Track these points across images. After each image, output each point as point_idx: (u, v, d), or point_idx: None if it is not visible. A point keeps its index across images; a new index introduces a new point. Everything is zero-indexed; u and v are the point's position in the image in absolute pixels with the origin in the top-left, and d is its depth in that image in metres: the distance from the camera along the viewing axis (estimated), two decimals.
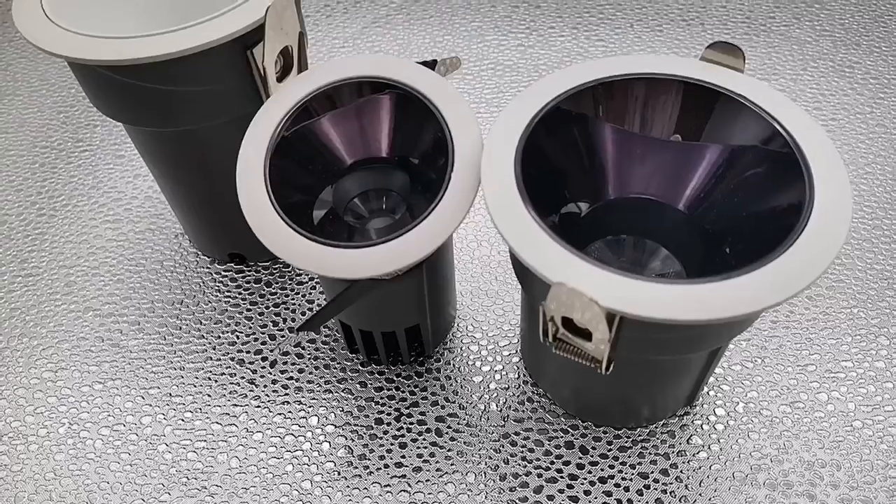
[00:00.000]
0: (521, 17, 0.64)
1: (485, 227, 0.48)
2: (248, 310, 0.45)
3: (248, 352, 0.43)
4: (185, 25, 0.33)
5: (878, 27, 0.61)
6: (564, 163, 0.35)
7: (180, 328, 0.45)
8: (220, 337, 0.44)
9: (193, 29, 0.33)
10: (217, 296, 0.46)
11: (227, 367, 0.43)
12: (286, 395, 0.41)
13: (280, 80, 0.37)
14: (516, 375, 0.42)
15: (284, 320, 0.45)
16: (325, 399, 0.41)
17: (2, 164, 0.55)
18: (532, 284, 0.31)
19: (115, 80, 0.34)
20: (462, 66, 0.39)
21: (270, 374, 0.42)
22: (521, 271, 0.33)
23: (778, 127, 0.31)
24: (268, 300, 0.46)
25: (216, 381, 0.42)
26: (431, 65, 0.38)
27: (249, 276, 0.47)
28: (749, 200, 0.32)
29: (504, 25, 0.64)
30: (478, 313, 0.44)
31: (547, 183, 0.35)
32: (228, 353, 0.43)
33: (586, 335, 0.29)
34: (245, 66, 0.35)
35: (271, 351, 0.43)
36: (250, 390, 0.42)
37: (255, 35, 0.34)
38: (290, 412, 0.40)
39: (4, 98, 0.61)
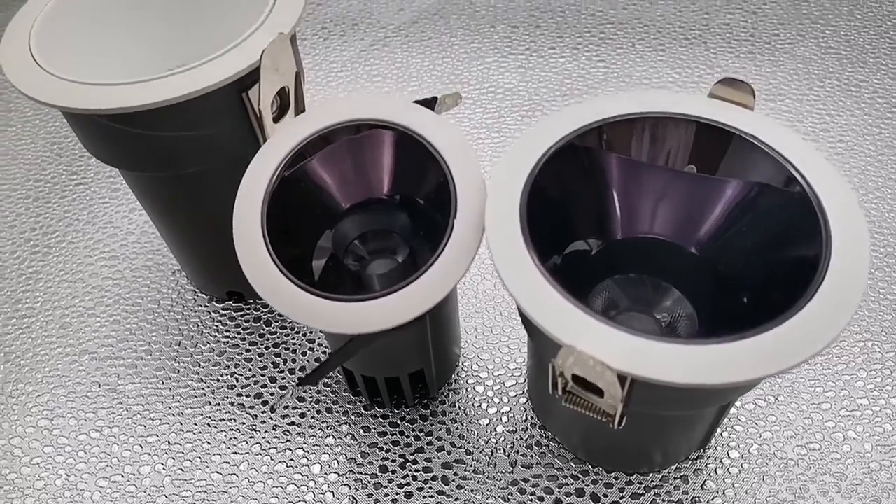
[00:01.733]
0: (521, 38, 0.63)
1: (489, 260, 0.47)
2: (248, 350, 0.44)
3: (247, 395, 0.42)
4: (179, 70, 0.32)
5: (884, 43, 0.60)
6: (572, 203, 0.34)
7: (178, 371, 0.44)
8: (219, 380, 0.43)
9: (187, 74, 0.32)
10: (216, 336, 0.45)
11: (226, 413, 0.42)
12: (287, 441, 0.40)
13: (277, 120, 0.36)
14: (524, 417, 0.41)
15: (285, 361, 0.44)
16: (327, 445, 0.40)
17: None
18: (541, 339, 0.30)
19: (108, 127, 0.33)
20: (462, 98, 0.38)
21: (271, 418, 0.41)
22: (529, 325, 0.31)
23: (793, 170, 0.30)
24: (267, 340, 0.45)
25: (216, 427, 0.41)
26: (432, 102, 0.37)
27: (248, 314, 0.46)
28: (763, 244, 0.31)
29: (504, 47, 0.63)
30: (483, 351, 0.43)
31: (555, 224, 0.34)
32: (228, 398, 0.42)
33: (598, 391, 0.28)
34: (241, 109, 0.34)
35: (272, 395, 0.42)
36: (251, 437, 0.40)
37: (251, 77, 0.33)
38: (292, 460, 0.39)
39: None
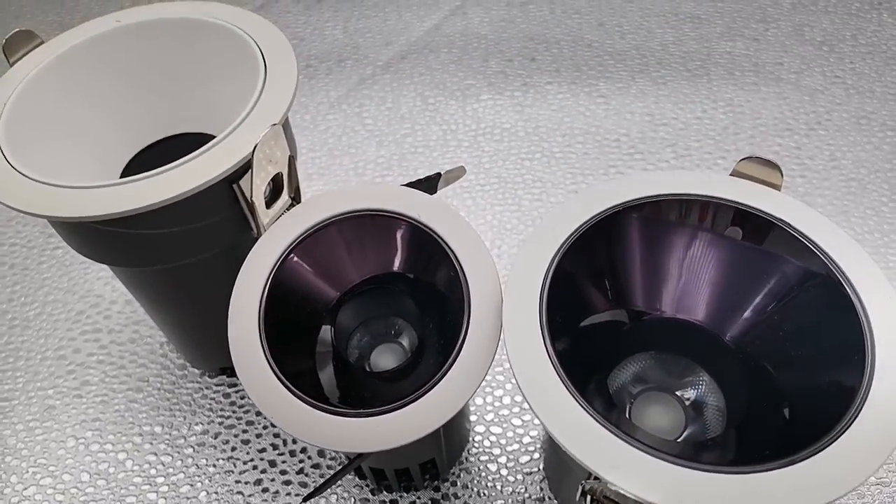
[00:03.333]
0: (516, 73, 0.61)
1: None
2: (245, 431, 0.42)
3: (246, 482, 0.40)
4: (165, 169, 0.29)
5: (890, 70, 0.59)
6: (596, 286, 0.32)
7: (172, 456, 0.41)
8: (215, 465, 0.41)
9: (175, 172, 0.29)
10: (209, 415, 0.43)
11: (225, 502, 0.39)
12: None
13: (269, 205, 0.33)
14: (541, 497, 0.39)
15: (284, 442, 0.41)
16: None
17: None
18: (570, 457, 0.28)
19: (96, 229, 0.31)
20: (465, 172, 0.35)
21: None
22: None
23: (829, 263, 0.28)
24: (264, 419, 0.42)
25: None
26: (435, 179, 0.35)
27: (243, 390, 0.43)
28: (797, 335, 0.29)
29: (498, 83, 0.60)
30: (494, 424, 0.41)
31: (578, 302, 0.32)
32: (226, 485, 0.40)
33: None
34: (232, 199, 0.32)
35: (272, 480, 0.40)
36: None
37: (242, 168, 0.31)
38: None
39: None
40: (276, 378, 0.28)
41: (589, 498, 0.27)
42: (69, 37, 0.36)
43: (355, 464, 0.29)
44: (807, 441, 0.24)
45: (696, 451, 0.31)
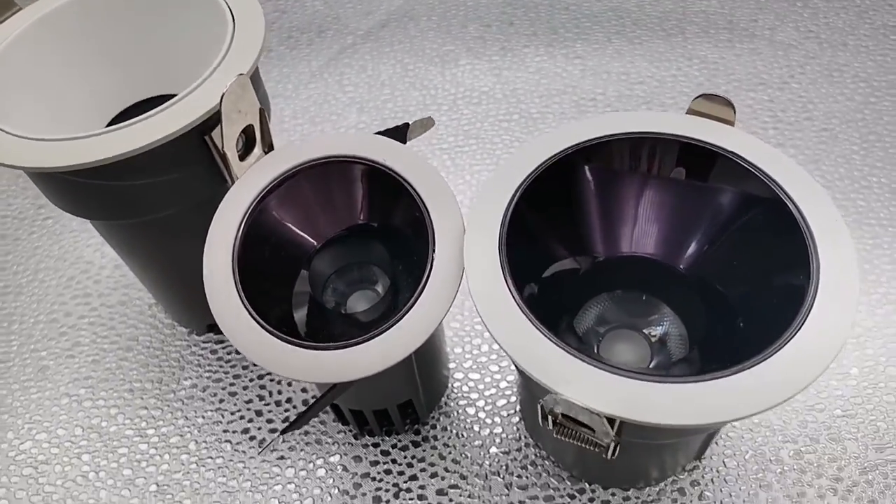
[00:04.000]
0: (494, 38, 0.62)
1: None
2: (232, 384, 0.43)
3: (234, 431, 0.41)
4: (136, 120, 0.30)
5: (863, 24, 0.59)
6: (555, 228, 0.34)
7: (162, 409, 0.43)
8: (203, 416, 0.42)
9: (147, 123, 0.30)
10: (197, 371, 0.44)
11: (214, 450, 0.41)
12: (278, 475, 0.39)
13: (243, 158, 0.34)
14: (517, 437, 0.40)
15: (270, 393, 0.43)
16: (319, 478, 0.39)
17: None
18: (528, 378, 0.29)
19: (72, 182, 0.32)
20: (434, 123, 0.36)
21: (260, 453, 0.40)
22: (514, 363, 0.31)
23: (776, 189, 0.29)
24: (251, 372, 0.44)
25: (204, 465, 0.40)
26: (403, 129, 0.36)
27: (230, 346, 0.45)
28: (750, 261, 0.31)
29: (477, 48, 0.61)
30: (472, 370, 0.43)
31: (538, 249, 0.33)
32: (214, 434, 0.41)
33: (588, 427, 0.27)
34: (205, 151, 0.33)
35: (259, 429, 0.41)
36: (240, 474, 0.40)
37: (212, 119, 0.32)
38: (283, 496, 0.39)
39: None
40: (248, 315, 0.30)
41: (550, 421, 0.28)
42: (45, 2, 0.37)
43: (331, 396, 0.31)
44: (758, 350, 0.25)
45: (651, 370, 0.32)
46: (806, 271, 0.27)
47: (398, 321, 0.29)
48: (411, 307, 0.29)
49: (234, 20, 0.35)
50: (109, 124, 0.39)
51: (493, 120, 0.56)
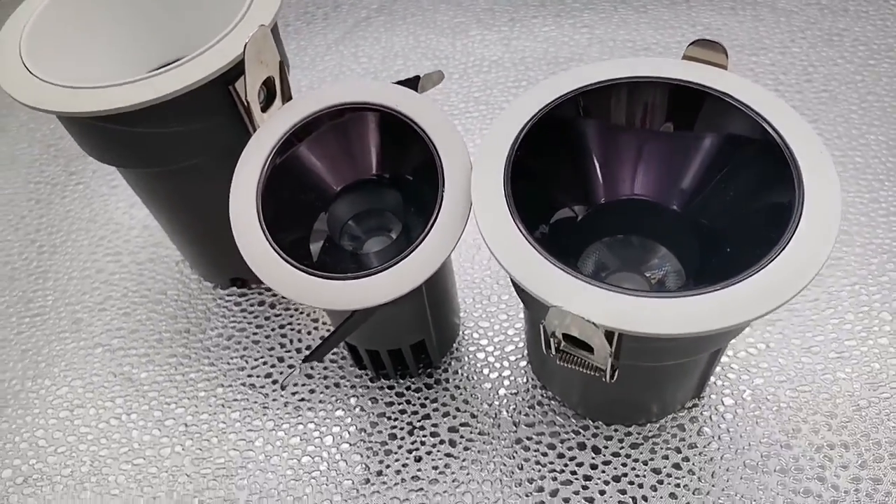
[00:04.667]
0: (504, 9, 0.64)
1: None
2: (255, 333, 0.46)
3: (258, 376, 0.44)
4: (167, 69, 0.33)
5: None
6: (555, 172, 0.35)
7: (189, 357, 0.45)
8: (229, 363, 0.45)
9: (175, 72, 0.33)
10: (223, 321, 0.47)
11: (239, 393, 0.43)
12: (299, 416, 0.42)
13: (264, 109, 0.37)
14: (524, 380, 0.42)
15: (291, 341, 0.45)
16: (337, 418, 0.41)
17: None
18: (531, 302, 0.31)
19: (102, 128, 0.34)
20: (444, 76, 0.38)
21: (282, 396, 0.43)
22: (521, 291, 0.33)
23: (763, 123, 0.30)
24: (273, 322, 0.46)
25: (230, 407, 0.43)
26: (414, 82, 0.38)
27: (252, 299, 0.47)
28: (741, 196, 0.32)
29: (487, 19, 0.63)
30: (482, 319, 0.45)
31: (540, 193, 0.35)
32: (239, 379, 0.44)
33: (588, 348, 0.29)
34: (229, 101, 0.35)
35: (281, 373, 0.44)
36: (264, 414, 0.42)
37: (236, 70, 0.34)
38: (304, 434, 0.41)
39: None
40: (274, 251, 0.32)
41: (553, 346, 0.30)
42: None
43: (349, 326, 0.33)
44: (747, 268, 0.27)
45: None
46: (791, 196, 0.28)
47: (411, 252, 0.31)
48: (423, 240, 0.31)
49: None
50: None
51: (503, 87, 0.57)
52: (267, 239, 0.32)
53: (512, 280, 0.33)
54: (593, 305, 0.26)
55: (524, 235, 0.28)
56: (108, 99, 0.32)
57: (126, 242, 0.51)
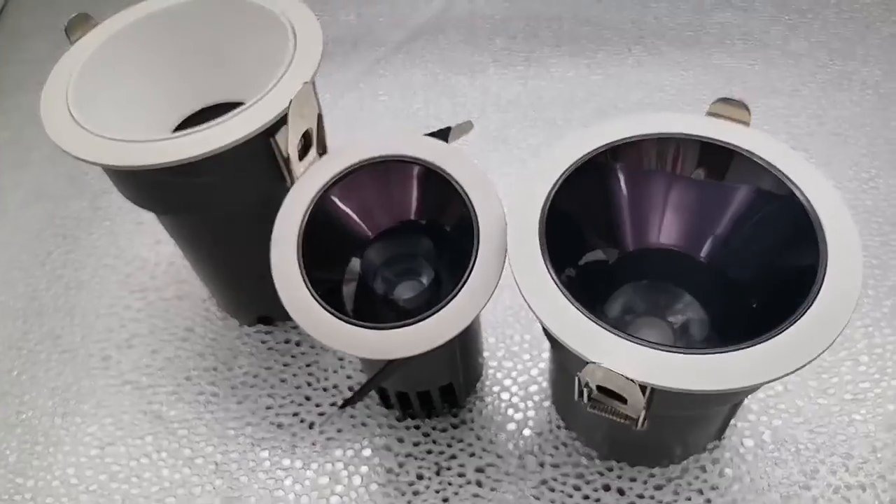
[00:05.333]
0: (520, 48, 0.65)
1: (507, 273, 0.50)
2: (282, 371, 0.47)
3: (286, 414, 0.45)
4: (212, 124, 0.34)
5: (871, 34, 0.62)
6: (588, 220, 0.37)
7: (217, 395, 0.46)
8: (256, 401, 0.45)
9: (222, 127, 0.34)
10: (249, 359, 0.47)
11: (267, 432, 0.44)
12: (327, 455, 0.43)
13: (301, 157, 0.38)
14: (548, 420, 0.43)
15: (318, 379, 0.46)
16: (365, 457, 0.42)
17: (26, 239, 0.56)
18: (565, 353, 0.32)
19: (146, 177, 0.35)
20: (473, 126, 0.40)
21: (310, 435, 0.44)
22: (554, 341, 0.34)
23: (789, 184, 0.32)
24: (299, 360, 0.47)
25: (259, 445, 0.43)
26: (445, 133, 0.39)
27: (279, 336, 0.48)
28: (765, 251, 0.34)
29: (503, 58, 0.65)
30: (505, 359, 0.46)
31: (573, 241, 0.36)
32: (267, 418, 0.45)
33: (621, 399, 0.30)
34: (269, 152, 0.36)
35: (308, 412, 0.45)
36: (293, 453, 0.43)
37: (278, 123, 0.35)
38: (333, 473, 0.42)
39: (20, 168, 0.62)
40: (315, 300, 0.33)
41: (586, 394, 0.31)
42: (122, 17, 0.41)
43: (385, 373, 0.34)
44: (773, 326, 0.28)
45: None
46: (814, 258, 0.30)
47: (447, 304, 0.32)
48: (458, 292, 0.32)
49: (294, 34, 0.38)
50: (178, 127, 0.43)
51: (520, 126, 0.59)
52: (309, 290, 0.33)
53: (545, 330, 0.34)
54: (631, 361, 0.28)
55: (563, 291, 0.29)
56: (162, 153, 0.33)
57: (153, 279, 0.52)
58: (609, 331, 0.28)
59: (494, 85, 0.62)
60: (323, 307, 0.33)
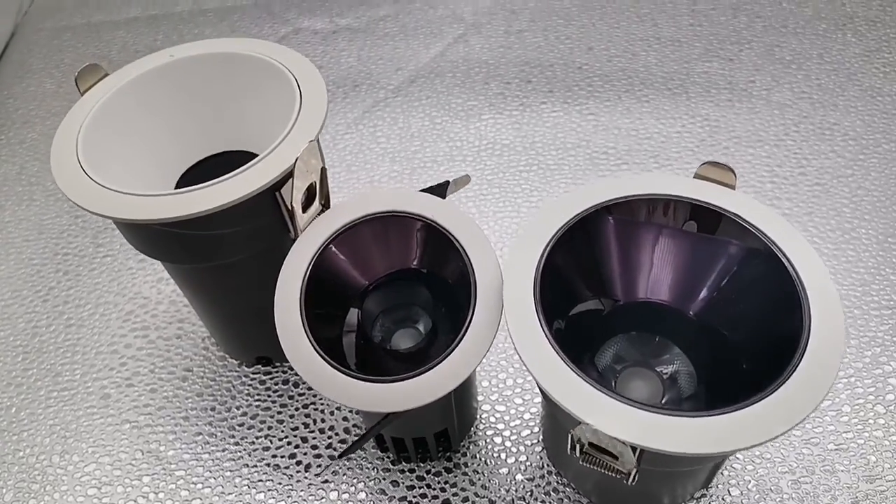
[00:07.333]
0: (514, 94, 0.67)
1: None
2: (279, 412, 0.47)
3: (282, 456, 0.45)
4: (222, 179, 0.35)
5: (852, 86, 0.65)
6: (581, 275, 0.38)
7: (215, 435, 0.47)
8: (254, 442, 0.46)
9: (231, 182, 0.35)
10: (248, 400, 0.48)
11: (264, 474, 0.45)
12: (323, 498, 0.43)
13: (305, 210, 0.39)
14: (540, 465, 0.44)
15: (314, 421, 0.47)
16: (360, 500, 0.43)
17: (27, 274, 0.57)
18: (559, 409, 0.34)
19: (153, 229, 0.37)
20: (470, 180, 0.41)
21: (306, 478, 0.44)
22: (548, 397, 0.35)
23: (774, 249, 0.33)
24: (296, 401, 0.48)
25: (255, 487, 0.44)
26: (444, 186, 0.41)
27: (277, 377, 0.49)
28: (751, 310, 0.35)
29: (498, 103, 0.67)
30: (498, 403, 0.47)
31: (566, 295, 0.37)
32: (264, 459, 0.45)
33: (612, 455, 0.31)
34: (274, 205, 0.38)
35: (305, 454, 0.45)
36: (289, 496, 0.44)
37: (284, 178, 0.37)
38: None
39: (22, 204, 0.63)
40: (317, 353, 0.34)
41: (578, 448, 0.32)
42: (131, 69, 0.42)
43: (384, 423, 0.35)
44: (759, 389, 0.29)
45: (671, 406, 0.36)
46: (799, 319, 0.31)
47: (445, 358, 0.33)
48: (456, 346, 0.34)
49: (299, 89, 0.40)
50: (186, 173, 0.44)
51: (514, 171, 0.61)
52: (312, 344, 0.34)
53: (541, 389, 0.36)
54: (622, 422, 0.29)
55: (558, 353, 0.31)
56: (174, 207, 0.34)
57: (153, 317, 0.53)
58: (602, 391, 0.30)
59: (490, 129, 0.64)
60: (325, 360, 0.34)
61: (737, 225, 0.35)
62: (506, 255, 0.53)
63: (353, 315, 0.40)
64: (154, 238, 0.38)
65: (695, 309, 0.37)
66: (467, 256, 0.36)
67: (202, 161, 0.44)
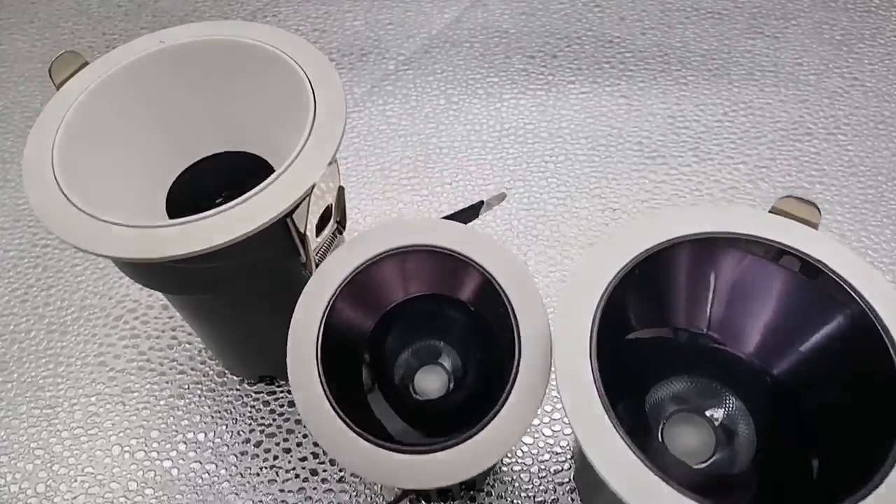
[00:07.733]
0: (538, 71, 0.61)
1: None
2: (286, 440, 0.43)
3: (289, 491, 0.42)
4: (228, 207, 0.30)
5: None
6: (638, 319, 0.34)
7: (216, 465, 0.43)
8: (258, 474, 0.42)
9: (237, 211, 0.30)
10: (250, 424, 0.44)
11: None
12: None
13: (318, 232, 0.34)
14: (569, 501, 0.41)
15: (324, 452, 0.43)
16: None
17: (3, 269, 0.52)
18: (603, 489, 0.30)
19: (156, 265, 0.31)
20: (506, 197, 0.36)
21: None
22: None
23: (865, 308, 0.29)
24: (304, 427, 0.44)
25: None
26: (478, 207, 0.36)
27: (282, 398, 0.45)
28: (830, 372, 0.31)
29: (521, 81, 0.60)
30: (526, 436, 0.43)
31: (620, 339, 0.33)
32: (270, 494, 0.42)
33: None
34: (284, 233, 0.33)
35: (314, 489, 0.42)
36: None
37: (296, 203, 0.31)
38: None
39: None
40: (339, 419, 0.29)
41: None
42: (115, 57, 0.36)
43: (405, 497, 0.31)
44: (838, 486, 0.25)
45: (720, 487, 0.32)
46: (893, 396, 0.27)
47: (480, 430, 0.29)
48: (494, 416, 0.29)
49: (313, 92, 0.34)
50: (180, 177, 0.38)
51: (540, 161, 0.55)
52: (332, 406, 0.29)
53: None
54: None
55: (626, 443, 0.26)
56: (175, 244, 0.29)
57: (144, 325, 0.48)
58: (657, 474, 0.26)
59: (512, 112, 0.58)
60: (347, 424, 0.29)
61: (825, 276, 0.30)
62: (532, 268, 0.49)
63: (376, 364, 0.35)
64: (148, 273, 0.33)
65: (775, 369, 0.33)
66: (509, 301, 0.31)
67: (197, 163, 0.39)
